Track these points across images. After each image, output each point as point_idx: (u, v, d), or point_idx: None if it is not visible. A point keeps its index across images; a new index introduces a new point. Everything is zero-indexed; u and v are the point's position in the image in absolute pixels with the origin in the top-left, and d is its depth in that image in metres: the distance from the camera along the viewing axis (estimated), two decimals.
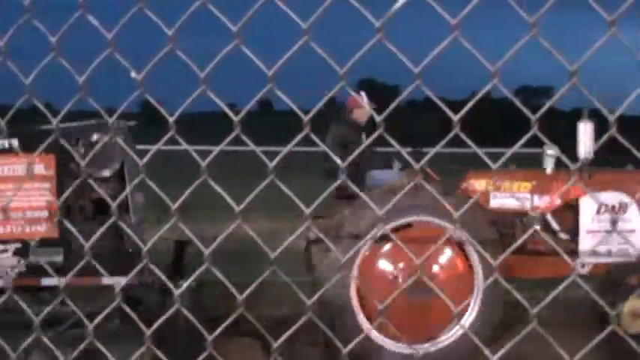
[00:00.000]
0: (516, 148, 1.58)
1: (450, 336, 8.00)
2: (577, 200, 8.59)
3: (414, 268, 7.52)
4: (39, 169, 7.26)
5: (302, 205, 1.91)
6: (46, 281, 7.03)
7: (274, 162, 1.80)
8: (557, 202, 8.63)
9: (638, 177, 8.84)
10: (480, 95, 1.45)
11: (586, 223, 8.48)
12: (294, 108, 1.77)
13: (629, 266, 8.06)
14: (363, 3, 1.69)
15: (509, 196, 8.82)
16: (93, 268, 1.81)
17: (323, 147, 2.00)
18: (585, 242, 8.39)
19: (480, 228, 7.93)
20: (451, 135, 1.54)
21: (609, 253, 8.32)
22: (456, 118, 1.57)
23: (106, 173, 7.31)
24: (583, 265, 8.48)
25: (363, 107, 9.49)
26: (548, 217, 8.78)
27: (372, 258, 8.14)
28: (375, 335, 7.93)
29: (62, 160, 7.18)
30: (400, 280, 8.01)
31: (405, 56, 1.50)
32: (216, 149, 2.04)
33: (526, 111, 1.47)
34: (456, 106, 1.50)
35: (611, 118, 1.47)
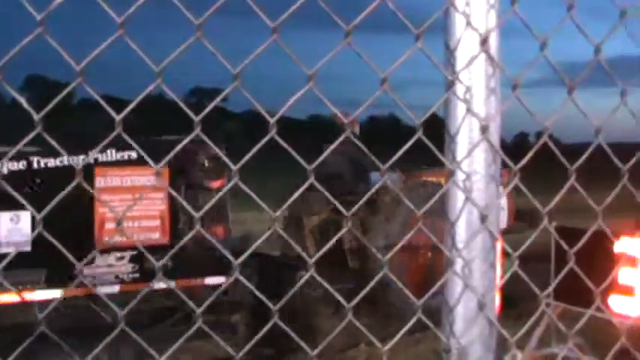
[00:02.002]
0: (180, 148, 1.58)
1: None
2: None
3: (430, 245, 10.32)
4: (153, 180, 7.85)
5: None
6: (156, 284, 7.36)
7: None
8: None
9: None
10: (143, 95, 1.43)
11: None
12: None
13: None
14: None
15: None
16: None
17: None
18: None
19: None
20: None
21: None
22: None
23: (215, 185, 8.22)
24: None
25: (357, 122, 11.80)
26: None
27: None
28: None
29: (182, 172, 7.81)
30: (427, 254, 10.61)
31: (67, 53, 1.43)
32: None
33: (189, 111, 1.48)
34: (123, 106, 1.47)
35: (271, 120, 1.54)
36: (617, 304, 6.83)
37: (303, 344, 1.74)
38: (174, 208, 7.84)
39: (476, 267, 1.80)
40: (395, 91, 1.69)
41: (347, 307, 1.67)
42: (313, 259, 1.72)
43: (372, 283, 1.78)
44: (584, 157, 2.23)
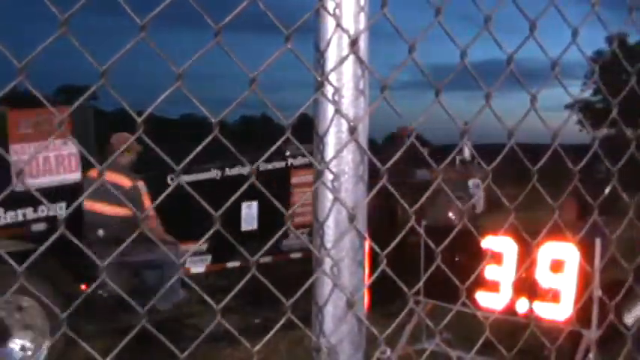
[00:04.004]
0: (48, 144, 1.54)
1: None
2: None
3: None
4: (310, 179, 10.50)
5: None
6: (294, 255, 10.64)
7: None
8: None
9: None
10: (3, 92, 1.38)
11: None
12: None
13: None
14: None
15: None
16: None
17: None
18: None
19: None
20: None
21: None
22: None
23: None
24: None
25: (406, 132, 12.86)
26: None
27: None
28: None
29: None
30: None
31: None
32: None
33: (53, 110, 1.45)
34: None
35: (141, 118, 1.52)
36: (483, 299, 7.08)
37: (173, 348, 1.71)
38: None
39: (345, 266, 1.83)
40: (269, 92, 1.70)
41: (216, 308, 1.66)
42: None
43: (243, 281, 1.78)
44: (450, 157, 2.30)
